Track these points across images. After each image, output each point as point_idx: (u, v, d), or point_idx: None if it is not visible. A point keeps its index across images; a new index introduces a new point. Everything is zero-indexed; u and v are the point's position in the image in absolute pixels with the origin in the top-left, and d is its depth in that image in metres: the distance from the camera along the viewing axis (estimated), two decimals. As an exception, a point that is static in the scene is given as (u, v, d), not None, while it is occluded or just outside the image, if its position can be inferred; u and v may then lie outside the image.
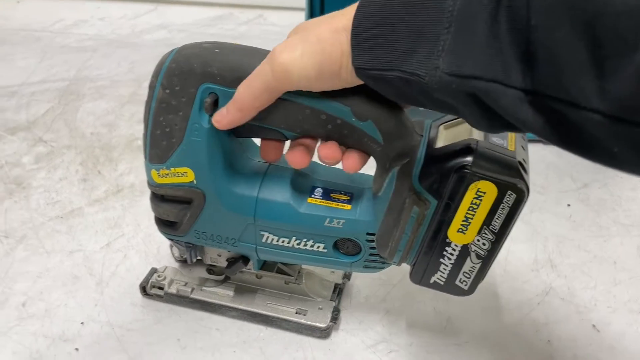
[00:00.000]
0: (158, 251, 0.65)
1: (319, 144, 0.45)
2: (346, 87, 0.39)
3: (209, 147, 0.46)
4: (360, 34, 0.36)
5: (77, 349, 0.53)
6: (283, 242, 0.50)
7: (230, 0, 1.32)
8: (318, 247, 0.49)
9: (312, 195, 0.49)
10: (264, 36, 1.19)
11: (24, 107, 0.92)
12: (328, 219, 0.48)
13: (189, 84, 0.44)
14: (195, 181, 0.48)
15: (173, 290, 0.58)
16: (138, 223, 0.69)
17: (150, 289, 0.58)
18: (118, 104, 0.93)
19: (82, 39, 1.15)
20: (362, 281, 0.61)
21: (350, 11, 0.36)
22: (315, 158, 0.45)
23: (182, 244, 0.55)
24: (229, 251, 0.54)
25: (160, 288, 0.58)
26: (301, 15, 1.26)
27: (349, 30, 0.36)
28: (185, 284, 0.59)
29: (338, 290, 0.59)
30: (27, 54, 1.08)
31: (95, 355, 0.53)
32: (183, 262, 0.63)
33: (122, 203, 0.72)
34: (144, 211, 0.70)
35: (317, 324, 0.55)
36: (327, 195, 0.49)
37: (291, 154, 0.45)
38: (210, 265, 0.60)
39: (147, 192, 0.71)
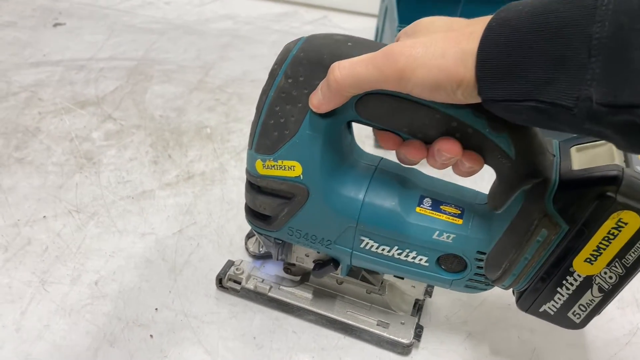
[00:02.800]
0: (231, 243, 0.63)
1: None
2: None
3: (324, 143, 0.45)
4: (487, 65, 0.34)
5: (151, 336, 0.52)
6: (383, 250, 0.48)
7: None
8: (420, 260, 0.48)
9: (421, 205, 0.47)
10: (329, 37, 1.18)
11: (92, 82, 0.91)
12: (437, 232, 0.46)
13: (315, 75, 0.42)
14: (302, 176, 0.46)
15: (250, 286, 0.56)
16: (210, 213, 0.67)
17: (227, 281, 0.57)
18: (186, 90, 0.92)
19: (148, 21, 1.14)
20: (441, 299, 0.59)
21: (478, 29, 0.35)
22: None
23: (270, 239, 0.53)
24: (318, 252, 0.53)
25: (237, 282, 0.57)
26: (367, 21, 1.25)
27: (475, 56, 0.34)
28: (262, 281, 0.57)
29: (418, 306, 0.58)
30: (95, 30, 1.08)
31: (170, 344, 0.52)
32: (257, 257, 0.61)
33: (194, 190, 0.70)
34: (216, 201, 0.69)
35: (400, 340, 0.53)
36: (436, 206, 0.47)
37: (406, 149, 0.43)
38: (290, 264, 0.58)
39: (218, 182, 0.70)
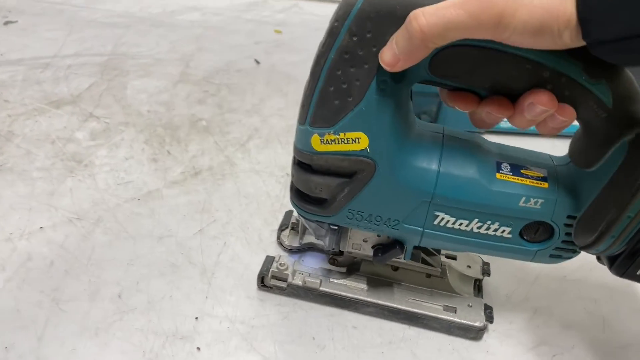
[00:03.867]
0: (260, 239, 0.57)
1: None
2: None
3: (393, 109, 0.40)
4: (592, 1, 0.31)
5: (198, 349, 0.45)
6: (460, 225, 0.44)
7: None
8: (503, 231, 0.44)
9: (501, 171, 0.43)
10: (305, 24, 1.13)
11: (62, 80, 0.82)
12: (524, 198, 0.42)
13: (385, 29, 0.38)
14: (368, 149, 0.41)
15: (298, 281, 0.51)
16: (229, 209, 0.61)
17: (270, 280, 0.51)
18: (169, 83, 0.85)
19: (110, 15, 1.05)
20: (496, 278, 0.55)
21: None
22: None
23: (324, 226, 0.48)
24: (378, 236, 0.48)
25: (283, 279, 0.51)
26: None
27: None
28: (309, 275, 0.51)
29: (478, 287, 0.54)
30: (52, 26, 0.98)
31: (221, 355, 0.45)
32: (294, 251, 0.55)
33: (205, 187, 0.64)
34: (232, 196, 0.63)
35: (473, 323, 0.49)
36: (517, 171, 0.43)
37: (489, 107, 0.39)
38: (336, 254, 0.53)
39: (229, 176, 0.64)
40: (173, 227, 0.58)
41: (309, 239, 0.56)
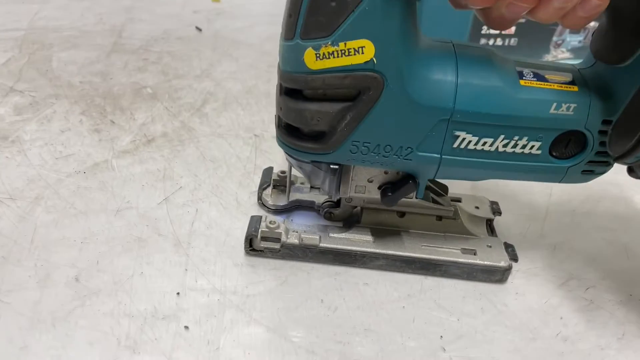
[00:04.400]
0: (238, 202, 0.49)
1: None
2: None
3: (403, 6, 0.34)
4: None
5: (186, 327, 0.37)
6: (484, 144, 0.38)
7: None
8: (531, 147, 0.38)
9: (524, 78, 0.38)
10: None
11: (-29, 56, 0.70)
12: (555, 104, 0.37)
13: None
14: (375, 60, 0.34)
15: (293, 240, 0.43)
16: (195, 174, 0.52)
17: (260, 242, 0.43)
18: (102, 53, 0.75)
19: (21, -8, 0.93)
20: (506, 218, 0.50)
21: None
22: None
23: (322, 167, 0.41)
24: (385, 173, 0.41)
25: (275, 239, 0.43)
26: None
27: None
28: (305, 232, 0.44)
29: (491, 227, 0.48)
30: (-48, 5, 0.85)
31: (217, 332, 0.37)
32: (279, 211, 0.48)
33: (162, 154, 0.55)
34: (196, 161, 0.54)
35: (497, 264, 0.43)
36: (541, 77, 0.38)
37: None
38: (332, 207, 0.46)
39: (189, 142, 0.56)
40: (132, 198, 0.48)
41: (296, 195, 0.49)
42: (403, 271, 0.44)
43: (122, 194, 0.49)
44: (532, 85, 0.37)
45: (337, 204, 0.46)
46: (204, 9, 0.95)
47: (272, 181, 0.50)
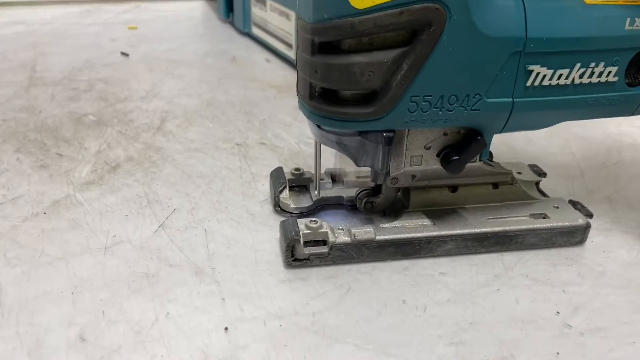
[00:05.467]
0: (251, 214, 0.41)
1: None
2: None
3: None
4: None
5: (256, 367, 0.28)
6: (559, 77, 0.33)
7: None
8: (608, 74, 0.34)
9: (585, -2, 0.33)
10: (160, 19, 0.96)
11: None
12: (629, 19, 0.33)
13: None
14: None
15: (344, 238, 0.35)
16: (186, 193, 0.43)
17: (303, 247, 0.35)
18: (20, 89, 0.63)
19: None
20: (545, 182, 0.45)
21: None
22: None
23: (369, 138, 0.34)
24: (445, 134, 0.35)
25: (321, 242, 0.35)
26: (188, 3, 1.08)
27: None
28: (351, 227, 0.36)
29: (540, 190, 0.44)
30: None
31: (297, 354, 0.28)
32: (304, 214, 0.40)
33: (135, 178, 0.45)
34: (181, 180, 0.45)
35: (576, 223, 0.38)
36: (601, -5, 0.34)
37: None
38: (369, 195, 0.39)
39: (163, 161, 0.48)
40: (118, 231, 0.38)
41: (322, 193, 0.41)
42: (475, 252, 0.37)
43: (104, 228, 0.39)
44: (600, 2, 0.33)
45: (377, 190, 0.39)
46: (122, 37, 0.86)
47: (287, 182, 0.42)
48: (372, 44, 0.30)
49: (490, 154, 0.41)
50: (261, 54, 0.80)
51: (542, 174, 0.44)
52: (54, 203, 0.41)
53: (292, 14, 0.70)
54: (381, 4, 0.29)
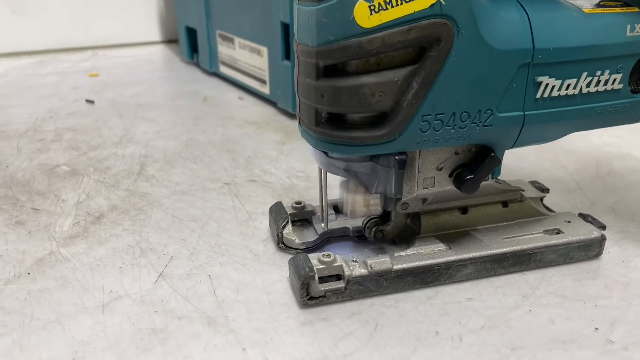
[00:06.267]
0: (255, 255, 0.39)
1: None
2: None
3: None
4: None
5: (294, 421, 0.25)
6: (567, 87, 0.33)
7: (47, 46, 1.03)
8: (613, 81, 0.34)
9: (585, 7, 0.34)
10: (120, 65, 0.94)
11: None
12: (629, 26, 0.33)
13: None
14: (443, 1, 0.28)
15: (361, 271, 0.34)
16: (181, 238, 0.41)
17: (319, 284, 0.33)
18: (-19, 144, 0.59)
19: None
20: (549, 199, 0.45)
21: None
22: None
23: (382, 162, 0.32)
24: (457, 153, 0.34)
25: (337, 277, 0.33)
26: (146, 48, 1.07)
27: None
28: (369, 258, 0.35)
29: (545, 206, 0.43)
30: None
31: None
32: (310, 248, 0.39)
33: (124, 227, 0.42)
34: (173, 225, 0.43)
35: (591, 236, 0.38)
36: (599, 5, 0.34)
37: None
38: (378, 223, 0.37)
39: (150, 207, 0.46)
40: (114, 286, 0.35)
41: (323, 226, 0.39)
42: (495, 273, 0.36)
43: (97, 284, 0.36)
44: (598, 12, 0.33)
45: (385, 218, 0.38)
46: (83, 84, 0.83)
47: (289, 217, 0.40)
48: (380, 64, 0.29)
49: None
50: (233, 93, 0.78)
51: (544, 189, 0.44)
52: (38, 261, 0.38)
53: (264, 50, 0.69)
54: (389, 21, 0.28)
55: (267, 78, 0.70)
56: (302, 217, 0.41)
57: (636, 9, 0.34)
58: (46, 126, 0.65)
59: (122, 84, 0.83)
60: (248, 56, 0.74)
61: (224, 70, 0.82)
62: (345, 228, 0.40)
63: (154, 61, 0.99)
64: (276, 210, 0.41)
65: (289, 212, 0.40)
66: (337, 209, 0.42)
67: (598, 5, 0.34)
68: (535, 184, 0.45)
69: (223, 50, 0.81)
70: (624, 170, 0.51)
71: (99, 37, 1.06)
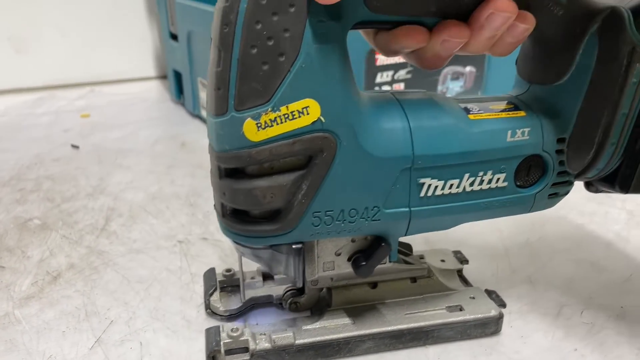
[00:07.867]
0: (187, 321, 0.44)
1: None
2: None
3: (340, 57, 0.33)
4: None
5: None
6: (451, 187, 0.37)
7: (46, 83, 1.11)
8: (497, 180, 0.38)
9: (471, 113, 0.38)
10: (113, 104, 1.01)
11: None
12: (510, 132, 0.38)
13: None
14: (322, 119, 0.33)
15: (265, 344, 0.39)
16: (124, 302, 0.46)
17: (225, 358, 0.38)
18: (-34, 194, 0.66)
19: None
20: (470, 266, 0.49)
21: None
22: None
23: (281, 251, 0.37)
24: (352, 241, 0.39)
25: (242, 349, 0.38)
26: (141, 84, 1.13)
27: None
28: (274, 332, 0.40)
29: (463, 278, 0.47)
30: None
31: None
32: (233, 316, 0.43)
33: (76, 289, 0.48)
34: (120, 286, 0.48)
35: (488, 314, 0.42)
36: (486, 109, 0.39)
37: (446, 32, 0.34)
38: (294, 295, 0.42)
39: (104, 267, 0.51)
40: (54, 351, 0.41)
41: (249, 293, 0.44)
42: (395, 348, 0.41)
43: (40, 348, 0.41)
44: (482, 117, 0.38)
45: (301, 290, 0.42)
46: (74, 126, 0.90)
47: (217, 284, 0.45)
48: (273, 167, 0.34)
49: (410, 247, 0.45)
50: (211, 137, 0.84)
51: (464, 260, 0.48)
52: (-7, 322, 0.44)
53: (236, 102, 0.74)
54: (275, 136, 0.33)
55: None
56: (231, 284, 0.46)
57: (522, 113, 0.38)
58: (29, 174, 0.71)
59: (109, 126, 0.90)
60: (223, 105, 0.79)
61: (204, 114, 0.88)
62: (270, 296, 0.45)
63: (147, 99, 1.05)
64: (208, 276, 0.46)
65: (218, 280, 0.45)
66: (266, 275, 0.46)
67: (487, 110, 0.38)
68: (457, 255, 0.49)
69: (203, 96, 0.86)
70: (554, 236, 0.55)
71: (96, 73, 1.13)
